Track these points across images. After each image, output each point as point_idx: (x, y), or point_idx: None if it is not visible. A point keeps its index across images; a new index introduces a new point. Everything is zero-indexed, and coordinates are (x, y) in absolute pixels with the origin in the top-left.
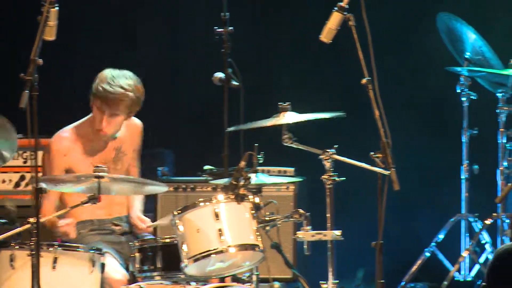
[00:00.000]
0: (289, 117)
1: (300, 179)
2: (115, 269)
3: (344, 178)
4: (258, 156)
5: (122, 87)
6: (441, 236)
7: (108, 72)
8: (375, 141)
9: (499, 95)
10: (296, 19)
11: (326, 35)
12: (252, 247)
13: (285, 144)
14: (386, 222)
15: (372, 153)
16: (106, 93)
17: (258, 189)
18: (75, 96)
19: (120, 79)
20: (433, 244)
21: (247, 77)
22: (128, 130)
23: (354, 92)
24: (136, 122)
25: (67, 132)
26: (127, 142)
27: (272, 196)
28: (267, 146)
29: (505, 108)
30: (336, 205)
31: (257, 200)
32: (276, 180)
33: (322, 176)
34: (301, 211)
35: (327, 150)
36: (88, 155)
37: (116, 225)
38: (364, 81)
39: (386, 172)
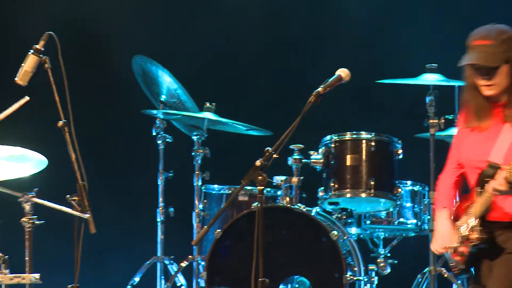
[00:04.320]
0: None
1: None
2: None
3: (44, 221)
4: None
5: None
6: (136, 279)
7: None
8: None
9: (194, 138)
10: None
11: (22, 77)
12: None
13: None
14: (83, 265)
15: (68, 196)
16: None
17: None
18: None
19: None
20: (128, 287)
21: None
22: None
23: (54, 134)
24: None
25: None
26: None
27: None
28: None
29: (200, 151)
30: (40, 248)
31: None
32: None
33: (22, 219)
34: None
35: (27, 193)
36: None
37: None
38: (60, 123)
39: (83, 215)
